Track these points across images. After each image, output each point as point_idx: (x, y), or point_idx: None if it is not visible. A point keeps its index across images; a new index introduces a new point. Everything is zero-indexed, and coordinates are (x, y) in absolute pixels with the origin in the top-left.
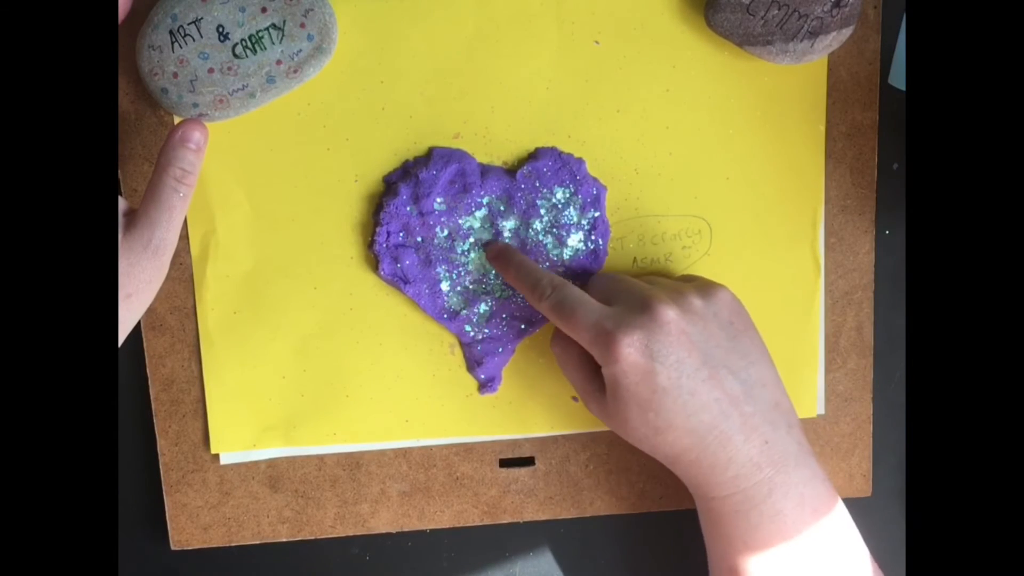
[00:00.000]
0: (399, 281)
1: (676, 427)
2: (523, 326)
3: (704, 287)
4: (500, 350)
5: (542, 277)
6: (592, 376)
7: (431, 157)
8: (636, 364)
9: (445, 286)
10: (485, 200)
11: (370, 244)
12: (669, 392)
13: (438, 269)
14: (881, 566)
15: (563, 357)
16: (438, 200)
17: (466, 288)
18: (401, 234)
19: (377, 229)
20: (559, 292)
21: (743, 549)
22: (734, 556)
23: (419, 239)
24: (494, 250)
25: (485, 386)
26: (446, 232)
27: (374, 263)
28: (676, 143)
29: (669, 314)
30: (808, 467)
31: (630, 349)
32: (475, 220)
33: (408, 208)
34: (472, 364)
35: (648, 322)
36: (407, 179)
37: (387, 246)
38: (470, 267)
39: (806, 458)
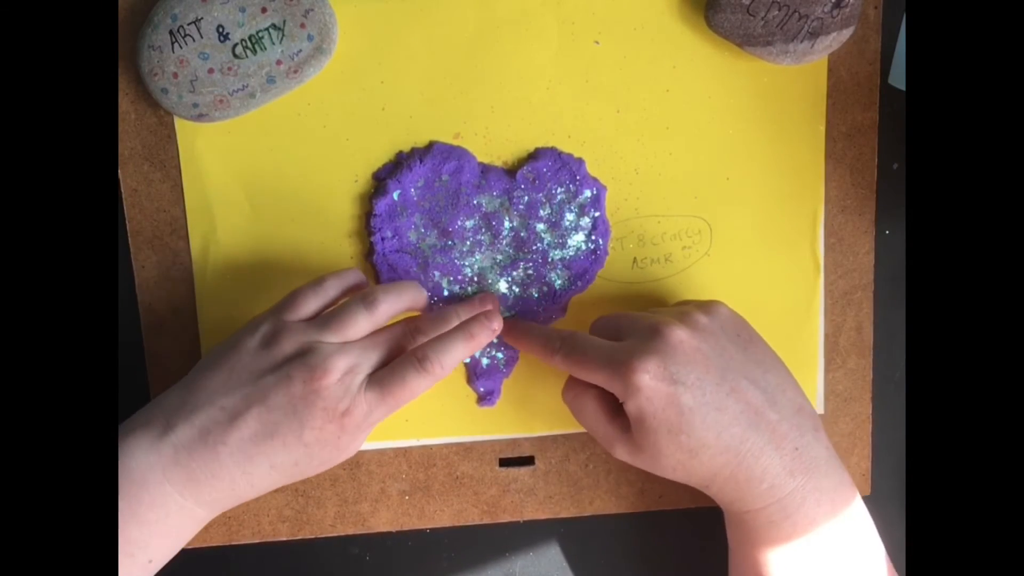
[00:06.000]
0: None
1: (709, 445)
2: None
3: (702, 304)
4: (501, 356)
5: (550, 333)
6: (612, 418)
7: (430, 150)
8: (658, 390)
9: (443, 288)
10: (485, 200)
11: (367, 254)
12: (696, 411)
13: (435, 272)
14: None
15: (577, 404)
16: (433, 198)
17: (464, 290)
18: (395, 239)
19: (372, 238)
20: (568, 341)
21: (775, 559)
22: (764, 565)
23: (415, 241)
24: (506, 329)
25: (484, 399)
26: (445, 232)
27: (373, 273)
28: (676, 143)
29: (680, 334)
30: (837, 472)
31: (648, 376)
32: (474, 221)
33: (399, 209)
34: (472, 376)
35: (661, 346)
36: (397, 173)
37: (384, 254)
38: (468, 270)
39: (834, 462)
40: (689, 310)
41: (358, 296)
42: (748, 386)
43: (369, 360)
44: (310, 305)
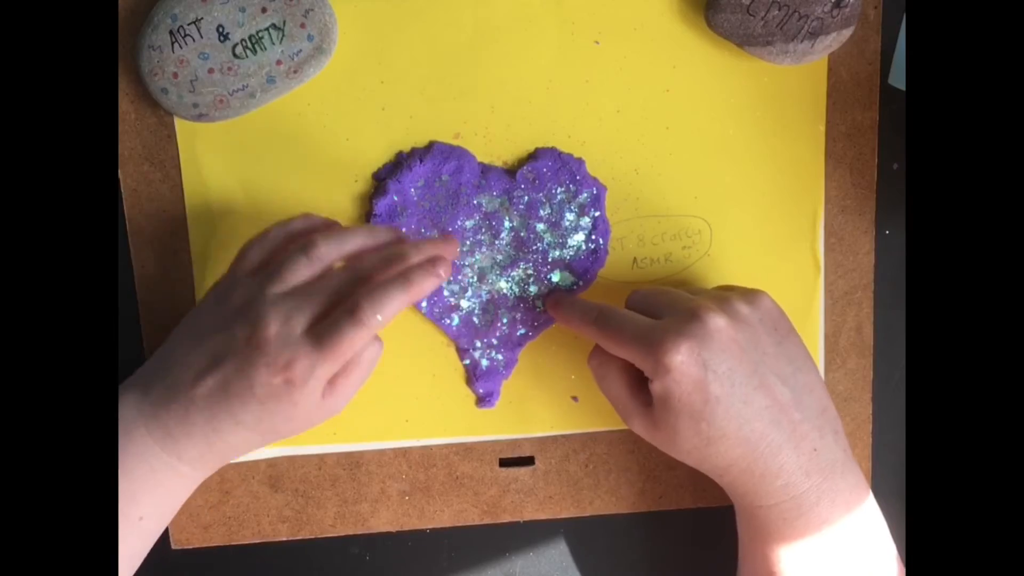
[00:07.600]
0: None
1: (729, 436)
2: (522, 330)
3: (747, 293)
4: (501, 358)
5: (586, 305)
6: (635, 391)
7: (430, 150)
8: (688, 374)
9: (443, 288)
10: (485, 200)
11: None
12: (722, 401)
13: None
14: None
15: (602, 372)
16: (433, 198)
17: (464, 290)
18: None
19: None
20: (605, 313)
21: (786, 556)
22: (776, 563)
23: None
24: (550, 302)
25: (483, 400)
26: (445, 232)
27: None
28: (676, 143)
29: (719, 322)
30: (853, 473)
31: (681, 358)
32: (474, 221)
33: (399, 210)
34: (471, 378)
35: (698, 330)
36: (397, 173)
37: None
38: (468, 270)
39: (850, 464)
40: (730, 297)
41: (299, 243)
42: (777, 383)
43: (308, 308)
44: (255, 256)
